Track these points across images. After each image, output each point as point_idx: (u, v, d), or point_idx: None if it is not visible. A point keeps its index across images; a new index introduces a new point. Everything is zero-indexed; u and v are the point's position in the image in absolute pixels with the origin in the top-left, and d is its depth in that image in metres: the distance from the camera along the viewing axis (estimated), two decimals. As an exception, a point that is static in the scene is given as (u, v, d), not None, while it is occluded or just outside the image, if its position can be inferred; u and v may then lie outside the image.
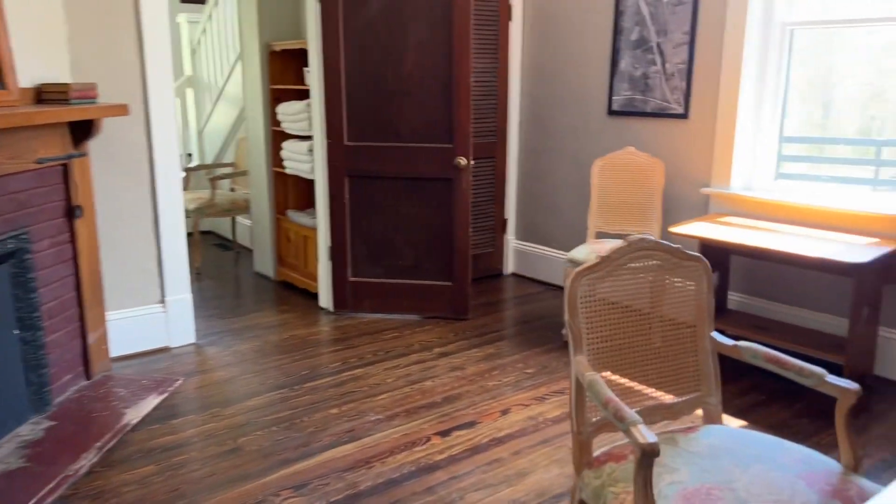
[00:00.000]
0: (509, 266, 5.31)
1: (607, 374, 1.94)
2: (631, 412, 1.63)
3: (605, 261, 1.91)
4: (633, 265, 1.96)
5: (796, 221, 3.66)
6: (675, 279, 2.01)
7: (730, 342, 2.01)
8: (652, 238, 1.98)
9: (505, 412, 3.19)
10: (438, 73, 4.10)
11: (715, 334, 2.04)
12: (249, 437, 2.97)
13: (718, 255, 3.78)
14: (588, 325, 1.90)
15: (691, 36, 4.04)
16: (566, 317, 1.89)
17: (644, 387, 2.01)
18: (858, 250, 3.11)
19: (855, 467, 1.76)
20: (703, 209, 4.09)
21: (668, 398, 2.01)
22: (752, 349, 1.94)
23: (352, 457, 2.81)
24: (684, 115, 4.12)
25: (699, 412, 2.08)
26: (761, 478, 1.68)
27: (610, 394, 1.71)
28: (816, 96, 3.81)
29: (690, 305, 2.04)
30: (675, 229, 3.67)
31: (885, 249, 3.11)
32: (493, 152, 5.07)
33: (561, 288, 4.90)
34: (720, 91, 3.92)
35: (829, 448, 2.85)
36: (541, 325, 4.27)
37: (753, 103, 3.88)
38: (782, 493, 1.62)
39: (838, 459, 1.79)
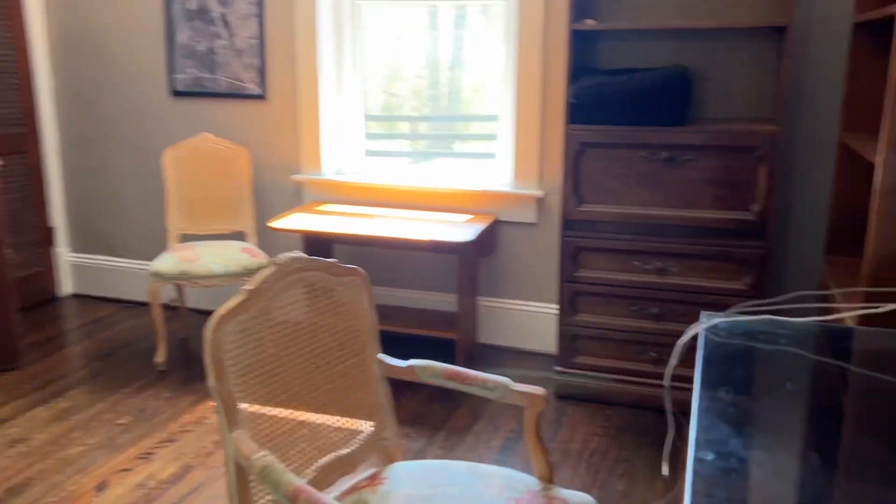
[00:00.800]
0: (66, 286, 4.27)
1: (276, 410, 1.48)
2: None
3: (253, 295, 1.42)
4: (287, 292, 1.51)
5: (392, 203, 3.60)
6: (336, 299, 1.63)
7: (402, 363, 1.71)
8: (303, 256, 1.55)
9: (102, 487, 2.44)
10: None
11: (383, 356, 1.72)
12: None
13: (321, 247, 3.52)
14: (243, 383, 1.40)
15: (259, 7, 3.63)
16: (210, 381, 1.35)
17: (316, 439, 1.60)
18: (461, 229, 3.14)
19: (550, 477, 1.63)
20: (297, 198, 3.77)
21: (343, 447, 1.63)
22: (430, 368, 1.68)
23: None
24: (262, 96, 3.72)
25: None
26: (476, 525, 1.42)
27: (297, 481, 1.25)
28: (373, 74, 3.77)
29: (353, 327, 1.68)
30: (274, 224, 3.29)
31: (482, 226, 3.20)
32: (21, 146, 3.96)
33: (143, 304, 4.10)
34: (298, 69, 3.61)
35: (465, 429, 2.83)
36: (125, 355, 3.49)
37: (335, 81, 3.67)
38: (506, 539, 1.39)
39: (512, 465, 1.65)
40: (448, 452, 2.69)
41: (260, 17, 3.64)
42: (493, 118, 3.55)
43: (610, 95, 2.81)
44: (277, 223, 3.30)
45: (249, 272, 3.31)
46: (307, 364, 1.56)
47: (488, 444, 2.76)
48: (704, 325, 1.69)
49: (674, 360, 1.72)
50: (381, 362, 1.72)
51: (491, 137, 3.59)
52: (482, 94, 3.60)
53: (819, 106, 2.89)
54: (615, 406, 3.00)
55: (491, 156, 3.57)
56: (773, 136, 2.61)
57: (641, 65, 3.04)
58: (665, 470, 2.32)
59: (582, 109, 2.84)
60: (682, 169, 2.77)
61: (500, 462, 2.64)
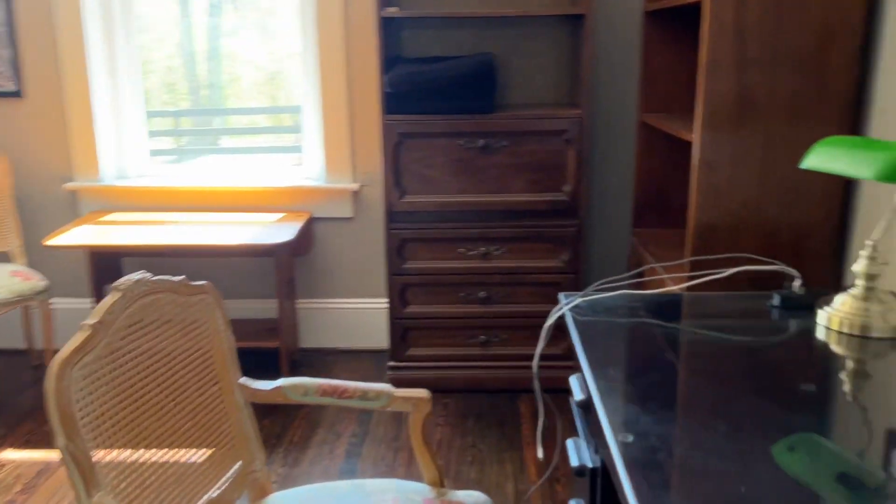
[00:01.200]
0: None
1: (138, 458, 1.24)
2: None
3: (98, 329, 1.18)
4: (134, 323, 1.28)
5: (189, 207, 3.27)
6: (188, 323, 1.41)
7: (268, 386, 1.54)
8: (148, 277, 1.32)
9: None
10: None
11: (246, 380, 1.54)
12: None
13: (109, 263, 3.11)
14: (98, 436, 1.15)
15: (4, -12, 3.09)
16: (59, 441, 1.10)
17: (184, 485, 1.38)
18: (276, 229, 2.95)
19: (441, 481, 1.57)
20: (73, 209, 3.29)
21: (213, 489, 1.43)
22: (303, 386, 1.53)
23: None
24: (17, 93, 3.18)
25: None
26: (383, 547, 1.32)
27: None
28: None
29: (209, 352, 1.47)
30: (52, 241, 2.85)
31: (298, 224, 3.02)
32: None
33: None
34: (61, 60, 3.14)
35: (305, 441, 2.66)
36: None
37: (107, 73, 3.24)
38: (419, 557, 1.30)
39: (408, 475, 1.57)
40: (292, 469, 2.52)
41: (7, 1, 3.10)
42: (295, 109, 3.37)
43: (423, 84, 2.77)
44: (54, 240, 2.85)
45: (24, 298, 2.85)
46: (166, 401, 1.34)
47: (332, 453, 2.62)
48: (567, 305, 1.72)
49: (541, 344, 1.73)
50: (243, 387, 1.53)
51: (294, 130, 3.41)
52: (275, 85, 3.40)
53: (619, 89, 3.09)
54: (451, 393, 3.01)
55: (296, 149, 3.39)
56: (579, 120, 2.75)
57: (445, 53, 3.05)
58: (540, 453, 2.36)
59: (397, 99, 2.77)
60: (497, 155, 2.82)
61: (350, 469, 2.52)
